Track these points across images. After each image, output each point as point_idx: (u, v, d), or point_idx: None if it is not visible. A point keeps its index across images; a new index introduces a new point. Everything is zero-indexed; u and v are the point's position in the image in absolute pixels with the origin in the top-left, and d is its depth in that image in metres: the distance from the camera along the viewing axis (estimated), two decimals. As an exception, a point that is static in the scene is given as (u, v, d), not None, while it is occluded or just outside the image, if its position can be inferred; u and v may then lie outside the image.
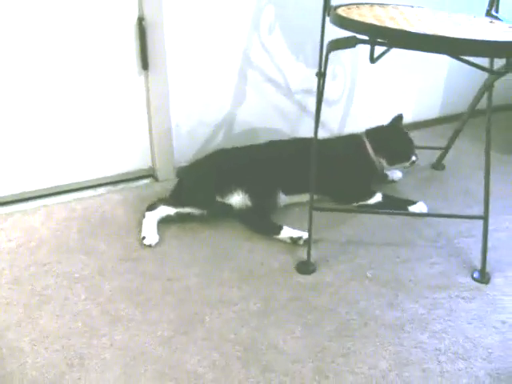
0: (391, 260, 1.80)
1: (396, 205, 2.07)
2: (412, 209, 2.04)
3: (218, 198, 1.93)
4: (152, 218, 1.89)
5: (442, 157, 2.41)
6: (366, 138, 2.17)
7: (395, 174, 2.29)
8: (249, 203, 1.93)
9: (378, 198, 2.07)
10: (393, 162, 2.19)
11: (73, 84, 1.97)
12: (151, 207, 1.93)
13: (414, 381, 1.36)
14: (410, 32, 1.34)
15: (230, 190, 1.93)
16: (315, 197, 1.80)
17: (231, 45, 2.14)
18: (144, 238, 1.82)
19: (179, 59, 2.06)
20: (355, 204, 2.09)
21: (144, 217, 1.90)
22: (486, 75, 1.95)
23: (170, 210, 1.93)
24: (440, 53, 1.47)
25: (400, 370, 1.38)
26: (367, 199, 2.08)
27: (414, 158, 2.21)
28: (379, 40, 1.40)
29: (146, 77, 2.07)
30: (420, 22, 1.52)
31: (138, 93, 2.09)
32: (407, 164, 2.22)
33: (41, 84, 1.92)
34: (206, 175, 2.02)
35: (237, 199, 1.93)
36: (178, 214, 1.93)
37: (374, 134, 2.19)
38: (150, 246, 1.81)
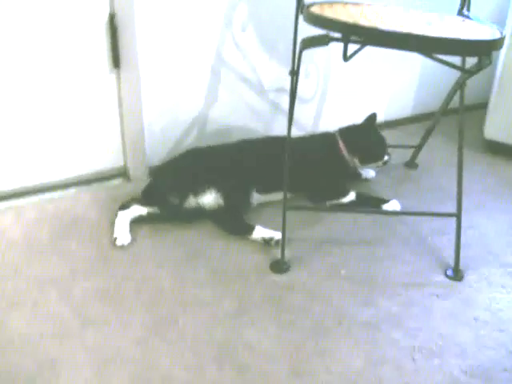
0: (365, 258, 1.80)
1: (370, 203, 2.08)
2: (386, 207, 2.04)
3: (191, 198, 1.91)
4: (124, 218, 1.86)
5: (414, 155, 2.42)
6: (339, 137, 2.17)
7: (368, 172, 2.30)
8: (221, 202, 1.92)
9: (351, 196, 2.07)
10: (365, 161, 2.19)
11: (42, 82, 1.93)
12: (124, 206, 1.91)
13: (389, 379, 1.36)
14: (383, 30, 1.34)
15: (202, 189, 1.92)
16: (289, 195, 1.79)
17: (204, 43, 2.13)
18: (116, 238, 1.80)
19: (151, 57, 2.03)
20: (329, 203, 2.09)
21: (116, 216, 1.87)
22: (457, 74, 1.97)
23: (143, 210, 1.90)
24: (413, 51, 1.48)
25: (375, 369, 1.39)
26: (341, 198, 2.07)
27: (386, 157, 2.22)
28: (352, 38, 1.40)
29: (118, 75, 2.04)
30: (393, 21, 1.52)
31: (109, 91, 2.06)
32: (380, 163, 2.22)
33: (7, 83, 1.88)
34: (179, 174, 2.00)
35: (209, 198, 1.92)
36: (150, 214, 1.91)
37: (347, 132, 2.19)
38: (122, 246, 1.78)
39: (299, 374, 1.36)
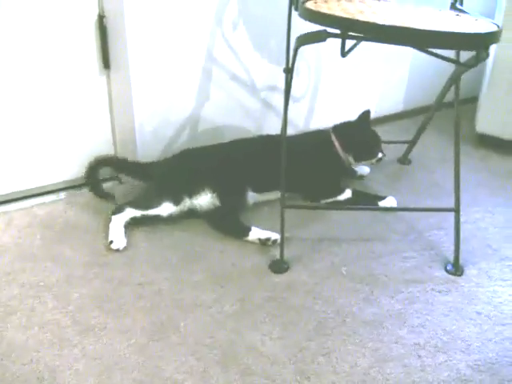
0: (365, 256, 1.79)
1: (366, 200, 2.07)
2: (382, 204, 2.03)
3: (187, 200, 1.89)
4: (119, 222, 1.83)
5: (408, 151, 2.42)
6: (333, 134, 2.15)
7: (363, 169, 2.28)
8: (217, 203, 1.90)
9: (347, 194, 2.06)
10: (359, 158, 2.17)
11: (31, 85, 1.89)
12: (117, 210, 1.87)
13: (396, 377, 1.34)
14: (382, 25, 1.33)
15: (198, 191, 1.90)
16: (286, 194, 1.77)
17: (194, 42, 2.10)
18: (111, 242, 1.76)
19: (142, 57, 2.00)
20: (325, 201, 2.08)
21: (110, 220, 1.84)
22: (448, 68, 1.96)
23: (137, 213, 1.87)
24: (411, 45, 1.46)
25: (381, 367, 1.37)
26: (337, 196, 2.06)
27: (380, 155, 2.20)
28: (351, 33, 1.38)
29: (108, 76, 2.01)
30: (389, 16, 1.51)
31: (99, 92, 2.03)
32: (374, 161, 2.21)
33: (-3, 85, 1.84)
34: (173, 177, 1.97)
35: (205, 199, 1.90)
36: (144, 217, 1.87)
37: (341, 129, 2.17)
38: (117, 250, 1.75)
39: (305, 375, 1.34)
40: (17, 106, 1.90)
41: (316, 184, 2.10)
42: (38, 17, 1.81)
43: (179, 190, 1.91)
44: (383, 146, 2.24)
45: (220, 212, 1.91)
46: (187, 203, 1.90)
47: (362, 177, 2.28)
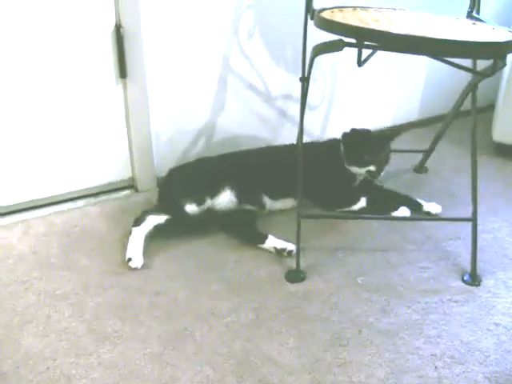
0: (381, 265, 1.78)
1: (380, 210, 2.05)
2: (395, 214, 2.02)
3: (208, 200, 1.91)
4: (139, 235, 1.80)
5: (424, 160, 2.40)
6: (341, 142, 2.13)
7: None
8: (235, 201, 1.93)
9: (362, 203, 2.04)
10: (348, 162, 2.07)
11: (48, 94, 1.91)
12: (138, 221, 1.84)
13: (413, 388, 1.33)
14: (399, 34, 1.33)
15: (218, 190, 1.92)
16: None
17: (210, 51, 2.11)
18: (130, 259, 1.72)
19: (158, 67, 2.02)
20: (339, 210, 2.07)
21: (130, 233, 1.81)
22: (463, 77, 1.95)
23: (160, 219, 1.85)
24: (428, 55, 1.46)
25: (397, 378, 1.36)
26: (351, 205, 2.05)
27: (372, 167, 2.05)
28: (367, 43, 1.38)
29: (124, 85, 2.02)
30: (405, 25, 1.51)
31: (116, 102, 2.04)
32: (363, 171, 2.07)
33: (14, 95, 1.86)
34: (195, 176, 2.00)
35: (225, 198, 1.92)
36: (167, 222, 1.86)
37: (346, 136, 2.11)
38: (135, 268, 1.71)
39: (321, 385, 1.33)
40: (35, 114, 1.92)
41: (329, 193, 2.09)
42: (56, 27, 1.83)
43: (201, 191, 1.92)
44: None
45: (237, 216, 1.92)
46: (208, 204, 1.92)
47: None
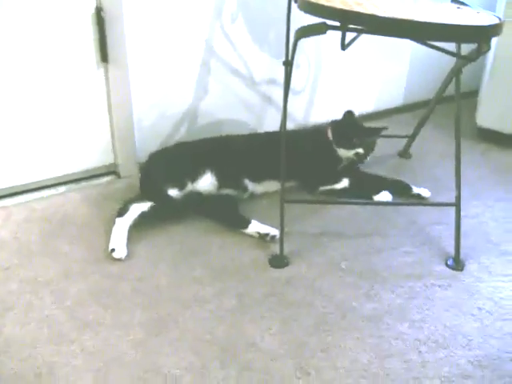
0: (365, 250, 1.78)
1: (361, 192, 2.05)
2: (377, 198, 2.02)
3: (190, 185, 1.90)
4: (123, 226, 1.76)
5: (408, 145, 2.41)
6: (329, 127, 2.15)
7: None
8: (216, 184, 1.93)
9: (344, 183, 2.06)
10: (338, 144, 2.12)
11: (28, 79, 1.88)
12: (121, 212, 1.80)
13: (397, 373, 1.33)
14: (383, 17, 1.31)
15: (199, 173, 1.91)
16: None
17: (193, 35, 2.08)
18: (113, 250, 1.69)
19: (140, 51, 1.99)
20: (322, 188, 2.07)
21: (114, 223, 1.77)
22: (448, 62, 1.95)
23: (144, 206, 1.82)
24: (413, 38, 1.45)
25: (381, 363, 1.36)
26: (333, 184, 2.07)
27: (360, 150, 2.10)
28: (351, 26, 1.37)
29: (106, 70, 1.99)
30: (390, 8, 1.49)
31: (97, 86, 2.01)
32: (351, 153, 2.12)
33: (-6, 79, 1.82)
34: (175, 160, 1.98)
35: (206, 181, 1.92)
36: (151, 209, 1.83)
37: (335, 122, 2.17)
38: (120, 259, 1.69)
39: (305, 371, 1.33)
40: (14, 100, 1.89)
41: (313, 172, 2.10)
42: (34, 9, 1.80)
43: (182, 176, 1.91)
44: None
45: (220, 203, 1.92)
46: (190, 189, 1.91)
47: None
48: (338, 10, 1.37)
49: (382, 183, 2.09)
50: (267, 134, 2.22)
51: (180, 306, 1.51)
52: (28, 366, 1.31)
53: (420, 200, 2.07)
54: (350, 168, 2.16)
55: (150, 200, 1.83)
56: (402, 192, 2.08)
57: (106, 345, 1.38)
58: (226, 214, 1.90)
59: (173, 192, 1.87)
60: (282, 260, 1.70)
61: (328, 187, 2.07)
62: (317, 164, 2.12)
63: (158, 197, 1.86)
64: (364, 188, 2.09)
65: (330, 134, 2.13)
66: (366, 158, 2.13)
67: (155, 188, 1.89)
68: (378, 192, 2.03)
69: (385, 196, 2.03)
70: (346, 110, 2.15)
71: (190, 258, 1.72)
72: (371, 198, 2.03)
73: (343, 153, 2.12)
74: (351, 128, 2.13)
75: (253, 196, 2.03)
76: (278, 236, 1.76)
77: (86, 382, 1.28)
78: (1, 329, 1.42)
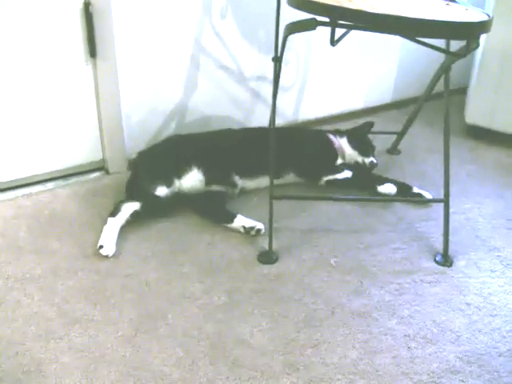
0: (354, 246, 1.78)
1: (366, 183, 2.08)
2: (381, 189, 2.03)
3: (176, 182, 1.89)
4: (115, 225, 1.75)
5: (397, 141, 2.41)
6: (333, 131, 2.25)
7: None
8: (203, 179, 1.92)
9: (347, 174, 2.09)
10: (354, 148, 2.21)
11: (15, 74, 1.86)
12: (114, 212, 1.79)
13: (386, 368, 1.34)
14: (373, 13, 1.31)
15: (185, 170, 1.90)
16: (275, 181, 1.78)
17: (182, 31, 2.07)
18: (101, 247, 1.68)
19: (129, 46, 1.98)
20: (325, 178, 2.09)
21: (106, 223, 1.76)
22: (437, 59, 1.95)
23: (136, 205, 1.80)
24: (402, 35, 1.45)
25: (371, 359, 1.36)
26: (335, 174, 2.09)
27: (368, 160, 2.19)
28: (340, 22, 1.36)
29: (94, 65, 1.98)
30: (379, 4, 1.49)
31: (85, 82, 2.00)
32: (359, 160, 2.20)
33: (-19, 74, 1.81)
34: (161, 158, 1.98)
35: (192, 177, 1.91)
36: (143, 207, 1.82)
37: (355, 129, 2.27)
38: (107, 256, 1.67)
39: (294, 367, 1.33)
40: (1, 96, 1.87)
41: (316, 163, 2.14)
42: (22, 4, 1.78)
43: (168, 172, 1.91)
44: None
45: (206, 198, 1.91)
46: (177, 186, 1.90)
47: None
48: (327, 6, 1.36)
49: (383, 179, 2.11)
50: (259, 129, 2.22)
51: (169, 303, 1.51)
52: (16, 363, 1.31)
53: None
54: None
55: (138, 200, 1.83)
56: (402, 192, 2.07)
57: (94, 341, 1.38)
58: (211, 208, 1.89)
59: (161, 190, 1.86)
60: (271, 256, 1.70)
61: (331, 177, 2.08)
62: (320, 157, 2.16)
63: (145, 197, 1.85)
64: (368, 179, 2.10)
65: (333, 138, 2.18)
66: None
67: (142, 188, 1.89)
68: (382, 183, 2.04)
69: (389, 188, 2.04)
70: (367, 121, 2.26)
71: (178, 254, 1.71)
72: (375, 189, 2.04)
73: (355, 156, 2.19)
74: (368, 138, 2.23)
75: (244, 192, 2.02)
76: (263, 230, 1.77)
77: (75, 379, 1.27)
78: (-12, 326, 1.41)
